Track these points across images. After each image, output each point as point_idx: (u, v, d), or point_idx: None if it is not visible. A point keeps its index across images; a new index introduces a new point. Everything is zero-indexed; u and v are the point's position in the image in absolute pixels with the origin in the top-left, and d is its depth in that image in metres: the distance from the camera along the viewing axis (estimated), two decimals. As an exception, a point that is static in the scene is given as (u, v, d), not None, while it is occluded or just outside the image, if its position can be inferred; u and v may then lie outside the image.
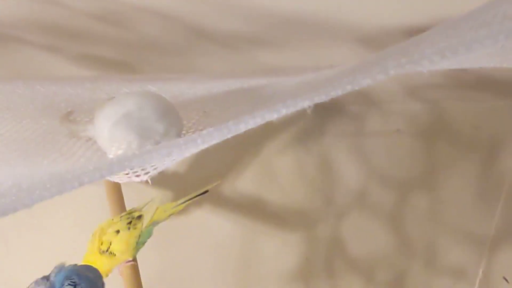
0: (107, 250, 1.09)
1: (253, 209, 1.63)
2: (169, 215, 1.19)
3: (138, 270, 1.17)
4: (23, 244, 1.63)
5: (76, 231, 1.45)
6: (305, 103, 0.57)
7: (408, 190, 1.61)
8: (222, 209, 1.62)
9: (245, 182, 1.63)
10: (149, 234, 1.16)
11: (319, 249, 1.64)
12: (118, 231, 1.11)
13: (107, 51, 1.34)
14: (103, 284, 1.02)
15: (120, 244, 1.11)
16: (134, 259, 1.17)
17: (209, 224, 1.62)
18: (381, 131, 1.61)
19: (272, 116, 0.58)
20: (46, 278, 0.98)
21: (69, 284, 0.94)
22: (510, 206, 1.60)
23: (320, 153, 1.62)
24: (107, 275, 1.10)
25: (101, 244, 1.10)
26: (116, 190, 1.30)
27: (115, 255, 1.09)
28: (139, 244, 1.14)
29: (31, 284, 0.98)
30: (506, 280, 1.60)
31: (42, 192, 0.55)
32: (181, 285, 1.53)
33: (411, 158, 1.62)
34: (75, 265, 1.01)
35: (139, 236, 1.12)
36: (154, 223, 1.16)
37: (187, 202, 1.22)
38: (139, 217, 1.14)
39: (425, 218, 1.64)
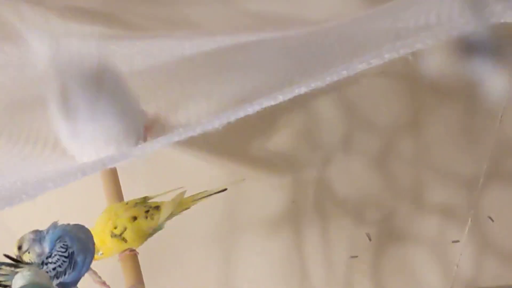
0: (120, 235, 1.07)
1: (239, 154, 1.63)
2: (184, 210, 1.15)
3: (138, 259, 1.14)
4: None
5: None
6: (301, 90, 0.58)
7: (395, 133, 1.62)
8: (208, 154, 1.62)
9: (230, 127, 1.61)
10: (161, 228, 1.12)
11: (306, 192, 1.63)
12: (135, 218, 1.08)
13: (94, 2, 1.31)
14: (93, 244, 1.01)
15: (135, 232, 1.07)
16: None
17: (195, 169, 1.62)
18: (365, 74, 1.60)
19: (269, 103, 0.59)
20: (41, 232, 0.98)
21: (61, 247, 0.95)
22: (499, 147, 1.61)
23: (305, 98, 1.60)
24: (109, 256, 1.08)
25: (115, 228, 1.07)
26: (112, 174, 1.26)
27: (126, 241, 1.06)
28: (150, 235, 1.10)
29: (27, 233, 0.97)
30: (491, 219, 1.64)
31: (46, 183, 0.57)
32: (168, 228, 1.53)
33: (396, 101, 1.62)
34: (68, 224, 1.01)
35: (154, 228, 1.09)
36: (170, 217, 1.11)
37: (204, 198, 1.17)
38: (157, 207, 1.11)
39: (413, 160, 1.64)
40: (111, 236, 1.05)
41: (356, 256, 1.67)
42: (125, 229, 1.06)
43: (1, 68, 1.00)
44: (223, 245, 1.64)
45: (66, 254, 0.93)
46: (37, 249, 0.94)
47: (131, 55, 1.01)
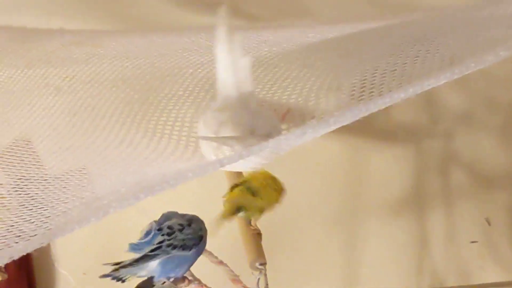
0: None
1: (360, 127, 1.62)
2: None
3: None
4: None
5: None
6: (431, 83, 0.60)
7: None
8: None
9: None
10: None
11: (428, 165, 1.60)
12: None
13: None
14: (201, 238, 1.02)
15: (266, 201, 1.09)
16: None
17: (315, 144, 1.55)
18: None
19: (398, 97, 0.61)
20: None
21: (196, 226, 0.99)
22: None
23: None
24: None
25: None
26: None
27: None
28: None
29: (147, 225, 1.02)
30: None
31: (186, 173, 0.62)
32: (288, 208, 1.55)
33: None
34: (184, 216, 1.03)
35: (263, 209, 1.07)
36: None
37: None
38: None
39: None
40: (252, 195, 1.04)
41: (476, 241, 1.64)
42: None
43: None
44: (344, 227, 1.64)
45: (199, 234, 1.00)
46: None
47: (258, 46, 1.05)
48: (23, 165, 0.94)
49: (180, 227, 0.99)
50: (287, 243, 1.64)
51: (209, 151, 0.85)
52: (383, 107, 0.64)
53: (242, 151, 0.66)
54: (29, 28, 1.17)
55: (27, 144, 0.98)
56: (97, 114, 0.97)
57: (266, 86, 0.94)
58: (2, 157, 0.97)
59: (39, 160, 0.95)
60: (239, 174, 1.16)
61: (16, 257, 0.63)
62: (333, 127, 0.68)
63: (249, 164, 0.90)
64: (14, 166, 0.94)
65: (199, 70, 1.02)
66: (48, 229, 0.74)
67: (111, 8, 1.46)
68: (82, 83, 1.04)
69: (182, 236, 0.98)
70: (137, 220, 1.03)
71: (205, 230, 1.03)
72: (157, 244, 0.97)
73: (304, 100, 0.88)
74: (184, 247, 0.98)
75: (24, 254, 0.65)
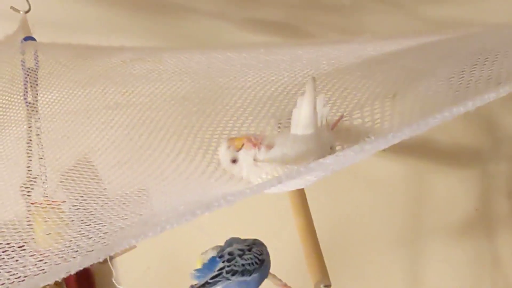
0: None
1: (419, 147, 1.60)
2: None
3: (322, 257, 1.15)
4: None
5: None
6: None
7: None
8: (389, 152, 1.61)
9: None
10: None
11: (492, 188, 1.57)
12: None
13: (272, 13, 1.37)
14: (262, 262, 1.02)
15: None
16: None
17: (373, 165, 1.60)
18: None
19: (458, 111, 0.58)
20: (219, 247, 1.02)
21: (258, 251, 0.99)
22: None
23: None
24: None
25: None
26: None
27: None
28: None
29: (209, 249, 1.03)
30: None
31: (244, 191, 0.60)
32: (352, 230, 1.53)
33: None
34: (245, 241, 1.03)
35: None
36: None
37: None
38: None
39: None
40: None
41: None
42: None
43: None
44: (407, 249, 1.62)
45: (260, 258, 1.00)
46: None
47: (317, 59, 1.04)
48: (84, 181, 0.94)
49: (240, 252, 0.99)
50: (350, 265, 1.62)
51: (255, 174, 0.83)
52: (442, 121, 0.60)
53: (300, 169, 0.64)
54: (90, 45, 1.19)
55: (88, 162, 0.99)
56: (155, 127, 0.98)
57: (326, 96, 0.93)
58: (64, 175, 0.98)
59: (98, 176, 0.95)
60: (302, 193, 1.15)
61: (72, 271, 0.62)
62: (390, 143, 0.65)
63: (302, 182, 0.88)
64: (76, 183, 0.95)
65: (258, 84, 1.01)
66: (106, 245, 0.73)
67: (170, 27, 1.47)
68: (140, 97, 1.05)
69: (242, 261, 0.99)
70: (200, 242, 1.04)
71: (267, 254, 1.03)
72: (217, 271, 0.97)
73: (360, 108, 0.86)
74: (244, 273, 0.98)
75: (81, 269, 0.64)
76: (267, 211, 1.50)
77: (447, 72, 0.82)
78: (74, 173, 0.97)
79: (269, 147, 0.82)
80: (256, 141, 0.83)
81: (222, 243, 1.04)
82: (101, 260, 0.63)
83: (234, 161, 0.84)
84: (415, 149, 1.57)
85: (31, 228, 0.84)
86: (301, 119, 0.81)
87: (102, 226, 0.78)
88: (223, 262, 0.98)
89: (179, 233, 1.56)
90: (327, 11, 1.37)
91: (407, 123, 0.63)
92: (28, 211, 0.92)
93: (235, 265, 0.98)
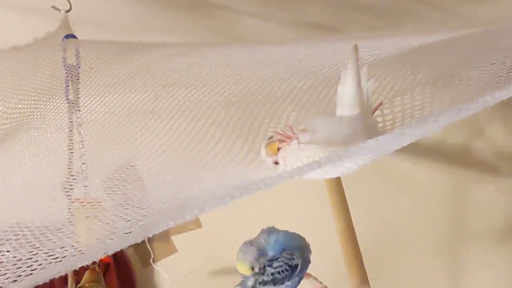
0: None
1: (462, 158, 1.57)
2: None
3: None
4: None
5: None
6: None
7: None
8: (430, 160, 1.59)
9: (452, 131, 1.57)
10: None
11: None
12: None
13: (312, 14, 1.37)
14: (296, 267, 0.96)
15: None
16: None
17: (414, 175, 1.59)
18: None
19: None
20: (251, 243, 0.96)
21: (288, 256, 0.94)
22: None
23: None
24: None
25: None
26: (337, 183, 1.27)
27: None
28: None
29: (241, 248, 0.96)
30: None
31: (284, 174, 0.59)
32: (393, 236, 1.52)
33: None
34: (287, 232, 0.98)
35: None
36: None
37: None
38: None
39: None
40: None
41: None
42: None
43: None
44: (449, 257, 1.60)
45: (290, 264, 0.94)
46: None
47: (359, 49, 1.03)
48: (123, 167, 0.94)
49: (269, 262, 0.94)
50: (391, 271, 1.60)
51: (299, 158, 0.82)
52: (485, 106, 0.57)
53: (339, 152, 0.62)
54: (131, 42, 1.20)
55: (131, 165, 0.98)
56: (194, 117, 0.97)
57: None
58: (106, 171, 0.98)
59: (135, 165, 0.95)
60: (343, 197, 1.13)
61: (110, 252, 0.61)
62: (432, 128, 0.63)
63: (342, 169, 0.86)
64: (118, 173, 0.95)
65: (298, 75, 1.00)
66: (143, 227, 0.73)
67: (212, 27, 1.48)
68: (181, 89, 1.04)
69: (271, 270, 0.94)
70: None
71: (299, 257, 0.96)
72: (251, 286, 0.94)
73: (401, 94, 0.84)
74: (275, 282, 0.94)
75: (118, 250, 0.63)
76: (308, 214, 1.49)
77: (489, 59, 0.80)
78: (117, 170, 0.96)
79: (311, 132, 0.81)
80: (288, 135, 0.82)
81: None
82: (139, 241, 0.62)
83: (276, 163, 0.83)
84: (456, 158, 1.55)
85: (72, 225, 0.83)
86: (346, 96, 0.79)
87: (140, 209, 0.78)
88: (254, 274, 0.93)
89: (220, 236, 1.56)
90: (371, 13, 1.36)
91: (448, 108, 0.60)
92: (69, 208, 0.92)
93: (266, 275, 0.93)
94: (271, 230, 0.98)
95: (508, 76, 0.73)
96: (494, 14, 1.30)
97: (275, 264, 0.93)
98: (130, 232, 0.71)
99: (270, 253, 0.95)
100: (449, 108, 0.57)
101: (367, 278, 1.04)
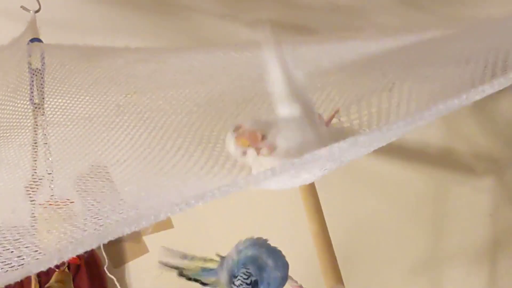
0: None
1: (438, 157, 1.58)
2: None
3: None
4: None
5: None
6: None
7: None
8: (410, 162, 1.59)
9: (431, 132, 1.58)
10: None
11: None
12: None
13: (278, 14, 1.38)
14: (287, 268, 0.97)
15: None
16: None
17: (389, 176, 1.59)
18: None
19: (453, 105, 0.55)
20: (222, 264, 0.98)
21: (244, 274, 0.93)
22: None
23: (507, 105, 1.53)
24: None
25: None
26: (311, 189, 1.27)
27: None
28: None
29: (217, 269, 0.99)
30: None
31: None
32: (365, 234, 1.52)
33: None
34: (261, 248, 0.98)
35: None
36: None
37: None
38: None
39: None
40: None
41: None
42: None
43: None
44: (424, 255, 1.62)
45: (248, 282, 0.94)
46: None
47: (319, 57, 1.03)
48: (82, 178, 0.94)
49: (233, 281, 0.94)
50: (365, 270, 1.62)
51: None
52: (439, 116, 0.57)
53: (294, 161, 0.62)
54: (95, 46, 1.19)
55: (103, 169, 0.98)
56: (155, 126, 0.97)
57: (324, 92, 0.92)
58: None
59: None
60: (316, 199, 1.14)
61: (65, 258, 0.61)
62: (386, 138, 0.63)
63: (298, 180, 0.86)
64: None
65: (259, 82, 1.00)
66: (99, 234, 0.72)
67: (176, 27, 1.49)
68: (142, 98, 1.04)
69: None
70: (212, 250, 1.03)
71: (259, 274, 0.95)
72: None
73: (357, 101, 0.85)
74: None
75: (74, 256, 0.63)
76: (281, 216, 1.49)
77: (445, 63, 0.80)
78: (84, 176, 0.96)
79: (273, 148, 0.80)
80: (257, 141, 0.82)
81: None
82: (94, 247, 0.62)
83: (244, 153, 0.83)
84: (432, 157, 1.56)
85: (35, 229, 0.83)
86: (277, 88, 0.78)
87: (98, 219, 0.78)
88: None
89: (191, 237, 1.56)
90: (334, 11, 1.37)
91: (403, 116, 0.60)
92: (33, 212, 0.91)
93: None
94: (238, 247, 0.98)
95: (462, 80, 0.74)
96: (477, 15, 1.31)
97: (236, 283, 0.94)
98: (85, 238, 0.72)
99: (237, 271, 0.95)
100: (404, 117, 0.58)
101: (341, 278, 1.06)
